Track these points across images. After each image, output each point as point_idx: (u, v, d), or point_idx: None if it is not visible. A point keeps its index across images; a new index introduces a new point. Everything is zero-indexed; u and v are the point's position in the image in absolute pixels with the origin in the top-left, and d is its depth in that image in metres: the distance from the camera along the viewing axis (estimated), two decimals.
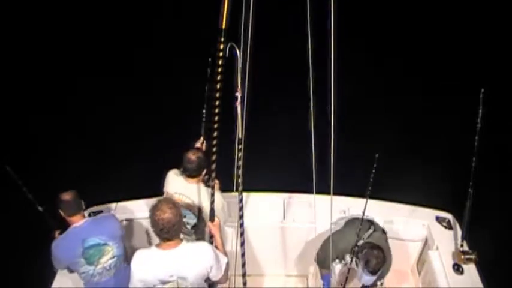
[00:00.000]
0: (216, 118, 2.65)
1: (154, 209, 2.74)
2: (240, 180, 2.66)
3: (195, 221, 3.39)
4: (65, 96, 6.89)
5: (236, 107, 2.49)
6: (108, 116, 6.49)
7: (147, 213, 3.55)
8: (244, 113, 2.59)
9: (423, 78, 7.26)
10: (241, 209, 2.76)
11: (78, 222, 3.16)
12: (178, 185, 3.36)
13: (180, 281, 2.84)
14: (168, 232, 2.73)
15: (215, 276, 2.93)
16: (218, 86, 2.58)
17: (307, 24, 2.49)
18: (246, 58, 2.34)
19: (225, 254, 3.03)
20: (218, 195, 3.26)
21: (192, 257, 2.83)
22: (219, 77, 2.54)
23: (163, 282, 2.84)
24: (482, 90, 3.25)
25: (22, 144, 5.91)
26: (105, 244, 3.16)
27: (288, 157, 5.77)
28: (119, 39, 7.96)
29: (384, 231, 3.58)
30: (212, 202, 3.06)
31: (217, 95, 2.59)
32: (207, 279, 2.99)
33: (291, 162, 5.65)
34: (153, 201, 3.73)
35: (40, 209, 3.29)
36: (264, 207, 4.05)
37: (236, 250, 3.11)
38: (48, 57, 7.55)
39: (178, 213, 2.76)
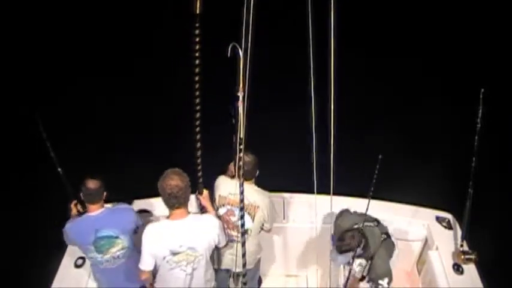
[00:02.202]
0: (198, 107, 2.77)
1: (162, 178, 2.85)
2: (241, 181, 2.65)
3: (250, 224, 3.30)
4: (65, 96, 6.87)
5: (237, 107, 2.49)
6: (108, 116, 6.48)
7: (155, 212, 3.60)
8: (245, 113, 2.59)
9: (423, 78, 7.26)
10: (242, 209, 2.76)
11: (95, 211, 3.17)
12: (232, 187, 3.20)
13: (189, 251, 2.92)
14: (176, 197, 2.82)
15: (222, 242, 3.10)
16: (197, 78, 2.68)
17: (308, 23, 2.49)
18: (247, 58, 2.34)
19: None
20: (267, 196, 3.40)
21: (200, 227, 2.96)
22: (197, 69, 2.65)
23: (174, 253, 2.92)
24: (482, 90, 3.25)
25: (22, 144, 5.90)
26: (117, 237, 3.18)
27: (287, 157, 5.77)
28: (119, 39, 7.95)
29: (387, 235, 3.45)
30: (199, 178, 3.15)
31: (197, 86, 2.70)
32: (214, 250, 3.11)
33: (291, 162, 5.64)
34: (153, 201, 3.77)
35: (60, 170, 3.29)
36: None
37: (237, 250, 3.11)
38: (48, 57, 7.55)
39: (186, 181, 2.86)
